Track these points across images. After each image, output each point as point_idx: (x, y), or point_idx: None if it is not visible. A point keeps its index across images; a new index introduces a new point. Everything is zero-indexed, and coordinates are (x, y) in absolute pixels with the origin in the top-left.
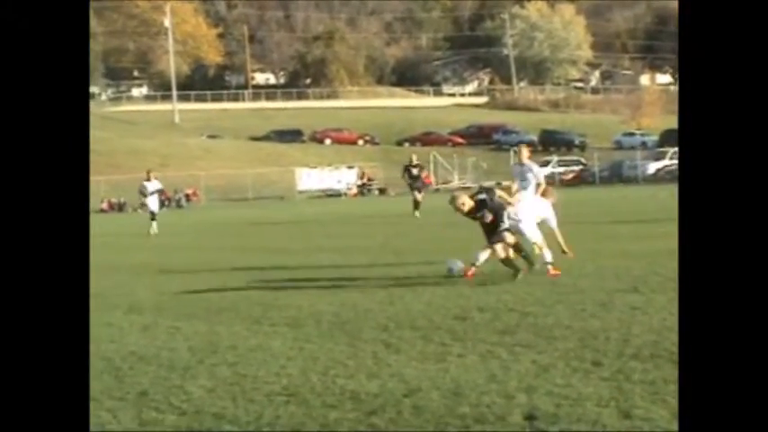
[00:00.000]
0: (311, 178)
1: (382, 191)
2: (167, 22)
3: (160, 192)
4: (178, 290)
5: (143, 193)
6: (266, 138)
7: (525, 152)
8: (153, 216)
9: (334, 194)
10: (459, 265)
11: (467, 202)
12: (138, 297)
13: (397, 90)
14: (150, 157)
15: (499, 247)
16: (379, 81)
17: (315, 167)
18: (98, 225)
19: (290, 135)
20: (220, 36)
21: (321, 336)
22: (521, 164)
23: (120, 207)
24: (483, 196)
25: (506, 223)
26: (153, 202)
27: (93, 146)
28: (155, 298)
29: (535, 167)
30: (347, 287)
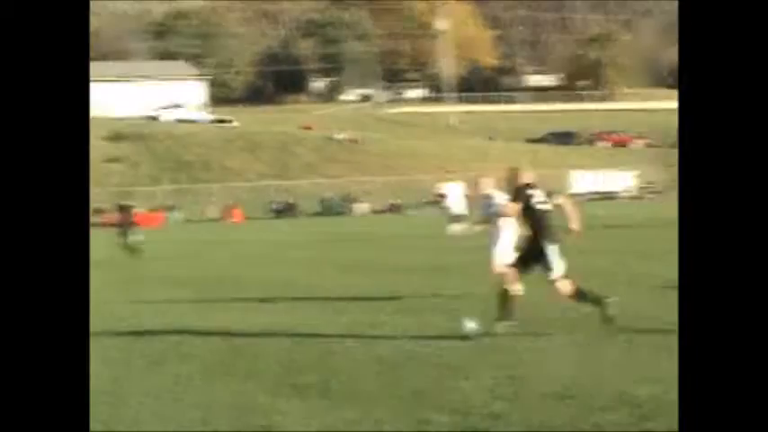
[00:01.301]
0: (585, 180)
1: (657, 193)
2: (443, 25)
3: (463, 193)
4: (454, 289)
5: (441, 195)
6: (542, 140)
7: (484, 183)
8: (455, 218)
9: (608, 197)
10: (473, 327)
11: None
12: (410, 296)
13: (675, 93)
14: (427, 158)
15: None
16: (656, 83)
17: (589, 170)
18: (377, 225)
19: (565, 137)
20: (496, 38)
21: (596, 338)
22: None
23: (397, 208)
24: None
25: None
26: (456, 204)
27: (368, 147)
28: (428, 297)
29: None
30: (625, 290)
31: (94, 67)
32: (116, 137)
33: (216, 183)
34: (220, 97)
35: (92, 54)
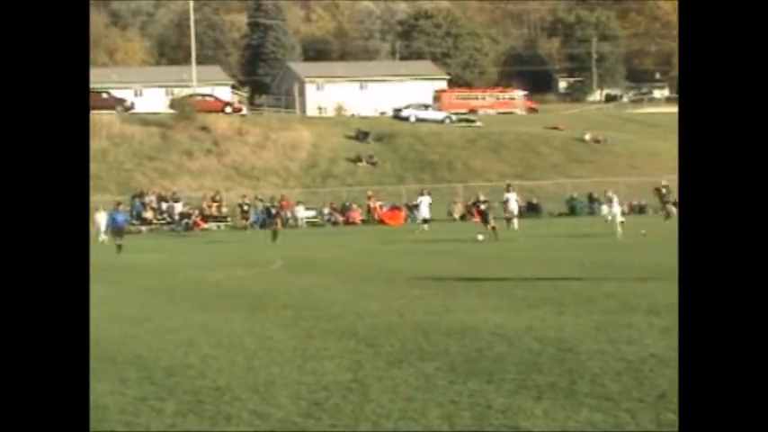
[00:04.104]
0: None
1: None
2: None
3: None
4: None
5: None
6: None
7: None
8: None
9: None
10: None
11: None
12: (658, 299)
13: None
14: (671, 159)
15: None
16: None
17: None
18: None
19: None
20: None
21: None
22: None
23: (641, 209)
24: None
25: None
26: None
27: (614, 147)
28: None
29: None
30: None
31: (338, 68)
32: (361, 136)
33: (459, 183)
34: None
35: (335, 54)
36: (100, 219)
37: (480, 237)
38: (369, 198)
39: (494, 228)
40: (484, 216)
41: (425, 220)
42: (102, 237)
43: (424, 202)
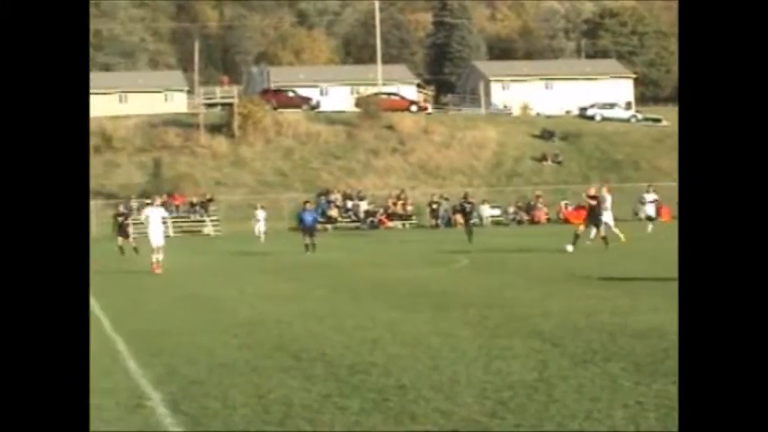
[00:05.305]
0: None
1: None
2: None
3: None
4: None
5: None
6: None
7: None
8: None
9: None
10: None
11: None
12: None
13: None
14: None
15: None
16: None
17: None
18: None
19: None
20: None
21: None
22: None
23: None
24: None
25: None
26: None
27: None
28: None
29: None
30: None
31: (524, 66)
32: (546, 135)
33: (645, 182)
34: (650, 96)
35: (520, 52)
36: (260, 216)
37: (570, 248)
38: (537, 198)
39: (603, 237)
40: (593, 218)
41: (650, 218)
42: (261, 234)
43: (648, 199)
